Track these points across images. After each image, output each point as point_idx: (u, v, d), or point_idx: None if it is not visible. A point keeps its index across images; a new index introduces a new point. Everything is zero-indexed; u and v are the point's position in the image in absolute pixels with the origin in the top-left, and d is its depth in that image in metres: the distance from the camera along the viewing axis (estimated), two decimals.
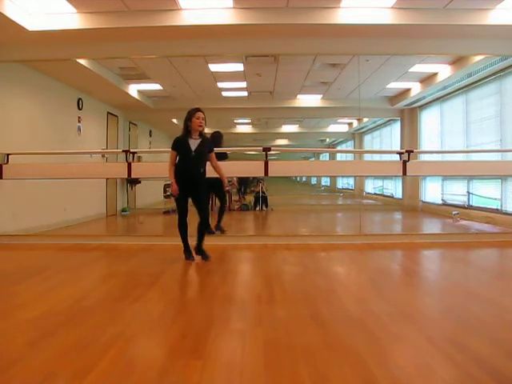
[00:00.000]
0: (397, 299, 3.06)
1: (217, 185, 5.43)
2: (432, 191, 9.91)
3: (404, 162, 5.52)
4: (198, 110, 4.30)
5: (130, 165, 5.60)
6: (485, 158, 7.51)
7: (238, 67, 7.54)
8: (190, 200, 4.41)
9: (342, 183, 16.64)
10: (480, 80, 7.74)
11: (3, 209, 6.00)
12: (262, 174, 5.59)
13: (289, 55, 6.67)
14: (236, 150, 11.55)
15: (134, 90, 8.83)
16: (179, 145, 4.29)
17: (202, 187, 4.35)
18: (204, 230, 4.43)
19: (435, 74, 8.06)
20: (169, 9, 5.10)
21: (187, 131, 4.27)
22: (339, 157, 15.11)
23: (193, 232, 4.42)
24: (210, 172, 4.47)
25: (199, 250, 4.43)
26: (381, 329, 2.43)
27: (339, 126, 14.09)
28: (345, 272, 4.20)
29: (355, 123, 13.42)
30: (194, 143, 4.26)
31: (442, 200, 9.24)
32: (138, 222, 8.58)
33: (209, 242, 5.53)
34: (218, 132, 6.42)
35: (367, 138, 14.06)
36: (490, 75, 7.42)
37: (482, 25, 5.19)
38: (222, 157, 5.58)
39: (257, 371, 1.90)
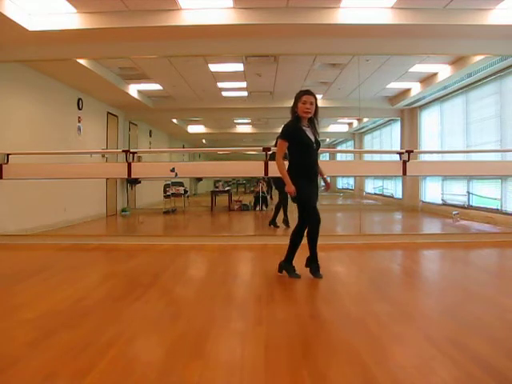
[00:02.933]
0: (397, 299, 3.06)
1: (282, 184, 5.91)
2: (432, 191, 9.91)
3: (404, 162, 5.52)
4: (305, 92, 3.53)
5: (130, 165, 5.59)
6: (485, 157, 7.51)
7: (238, 67, 7.54)
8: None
9: (341, 183, 16.63)
10: (480, 80, 7.74)
11: (3, 209, 6.00)
12: (261, 174, 5.59)
13: (289, 55, 6.67)
14: (236, 150, 11.58)
15: (133, 89, 8.84)
16: (296, 134, 3.52)
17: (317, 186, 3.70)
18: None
19: (435, 74, 8.06)
20: (169, 9, 5.09)
21: (296, 118, 3.54)
22: (339, 157, 15.12)
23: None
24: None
25: (315, 260, 3.65)
26: (381, 329, 2.43)
27: (339, 126, 14.10)
28: (345, 272, 4.19)
29: (355, 123, 13.43)
30: (308, 132, 3.56)
31: (442, 200, 9.24)
32: (138, 222, 8.58)
33: (209, 242, 5.55)
34: None
35: (367, 138, 14.07)
36: (490, 75, 7.42)
37: (481, 25, 5.19)
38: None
39: (257, 371, 1.90)
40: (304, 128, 3.55)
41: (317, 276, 3.58)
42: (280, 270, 3.73)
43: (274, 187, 6.95)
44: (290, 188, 3.48)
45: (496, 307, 2.85)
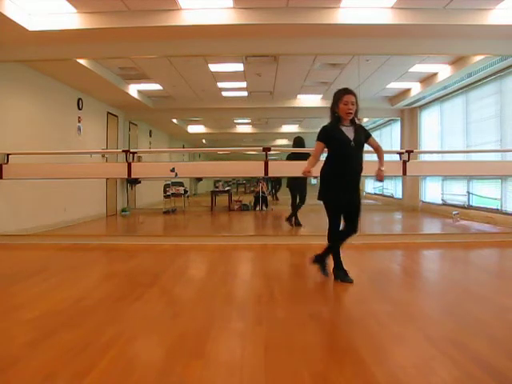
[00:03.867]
0: (397, 299, 3.06)
1: (302, 186, 6.69)
2: (432, 191, 9.91)
3: (404, 162, 5.53)
4: (345, 92, 3.38)
5: (130, 165, 5.60)
6: (485, 157, 7.51)
7: (238, 67, 7.54)
8: None
9: None
10: (480, 80, 7.74)
11: (3, 209, 6.00)
12: (261, 174, 5.61)
13: (289, 55, 6.67)
14: (236, 150, 11.59)
15: (133, 89, 8.84)
16: (331, 134, 3.41)
17: (357, 191, 3.49)
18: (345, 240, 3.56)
19: (435, 74, 8.06)
20: (169, 9, 5.10)
21: (336, 118, 3.42)
22: None
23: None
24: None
25: (339, 267, 3.55)
26: (381, 329, 2.43)
27: None
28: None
29: None
30: (348, 131, 3.39)
31: (442, 200, 9.24)
32: (138, 222, 8.58)
33: (209, 242, 5.55)
34: (300, 137, 7.06)
35: None
36: (490, 75, 7.42)
37: (481, 25, 5.19)
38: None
39: (257, 371, 1.90)
40: (344, 127, 3.41)
41: (347, 280, 3.43)
42: (314, 261, 3.65)
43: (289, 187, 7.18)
44: (307, 168, 3.39)
45: (496, 307, 2.85)
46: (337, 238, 3.52)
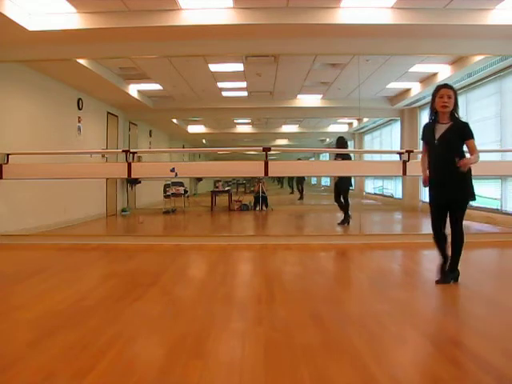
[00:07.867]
0: (397, 299, 3.06)
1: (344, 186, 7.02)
2: None
3: (404, 162, 5.53)
4: (441, 86, 3.33)
5: (129, 165, 5.59)
6: (485, 157, 7.50)
7: (238, 67, 7.54)
8: None
9: None
10: (480, 80, 7.74)
11: (3, 209, 5.99)
12: (262, 174, 5.60)
13: (289, 55, 6.66)
14: (236, 150, 11.58)
15: (134, 89, 8.83)
16: (424, 132, 3.46)
17: (453, 189, 3.32)
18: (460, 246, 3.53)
19: (435, 74, 8.05)
20: (169, 9, 5.09)
21: (434, 115, 3.40)
22: None
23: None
24: None
25: (454, 270, 3.52)
26: (381, 329, 2.43)
27: (339, 126, 14.10)
28: (345, 272, 4.19)
29: (355, 123, 13.42)
30: (440, 128, 3.33)
31: None
32: (138, 222, 8.58)
33: (209, 242, 5.55)
34: (342, 137, 7.51)
35: (367, 138, 14.06)
36: (490, 75, 7.42)
37: (481, 25, 5.19)
38: (349, 157, 7.20)
39: (257, 371, 1.90)
40: (439, 125, 3.35)
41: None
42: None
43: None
44: (424, 177, 3.50)
45: (496, 307, 2.85)
46: (435, 239, 3.59)
